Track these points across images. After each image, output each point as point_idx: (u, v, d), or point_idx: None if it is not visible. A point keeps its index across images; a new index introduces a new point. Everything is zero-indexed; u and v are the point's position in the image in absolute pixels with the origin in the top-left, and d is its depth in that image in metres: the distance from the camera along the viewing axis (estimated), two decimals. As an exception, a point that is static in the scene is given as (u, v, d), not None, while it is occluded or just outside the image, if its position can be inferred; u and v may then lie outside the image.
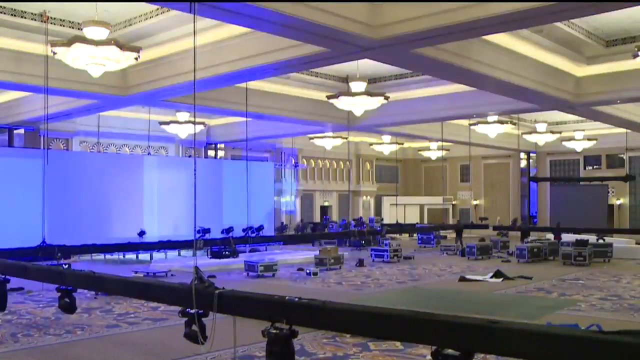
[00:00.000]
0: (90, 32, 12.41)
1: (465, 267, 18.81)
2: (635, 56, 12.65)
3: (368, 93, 16.43)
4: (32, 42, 13.85)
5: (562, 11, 9.44)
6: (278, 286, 14.63)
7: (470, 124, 23.23)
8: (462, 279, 15.75)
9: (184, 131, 22.60)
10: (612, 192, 32.19)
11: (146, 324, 9.82)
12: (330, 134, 25.88)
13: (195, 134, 24.33)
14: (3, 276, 9.48)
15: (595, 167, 33.43)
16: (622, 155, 31.45)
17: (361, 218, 31.01)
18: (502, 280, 15.69)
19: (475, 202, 36.75)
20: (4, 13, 13.12)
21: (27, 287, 13.36)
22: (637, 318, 10.44)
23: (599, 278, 16.01)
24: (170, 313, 10.67)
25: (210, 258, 19.95)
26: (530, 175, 34.61)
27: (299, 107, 20.60)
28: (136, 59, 13.24)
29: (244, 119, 22.25)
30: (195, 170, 7.85)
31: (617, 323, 9.93)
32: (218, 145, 29.56)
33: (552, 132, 25.57)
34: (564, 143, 27.69)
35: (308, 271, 16.84)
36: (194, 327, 6.19)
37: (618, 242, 22.44)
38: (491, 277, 16.05)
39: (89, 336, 8.92)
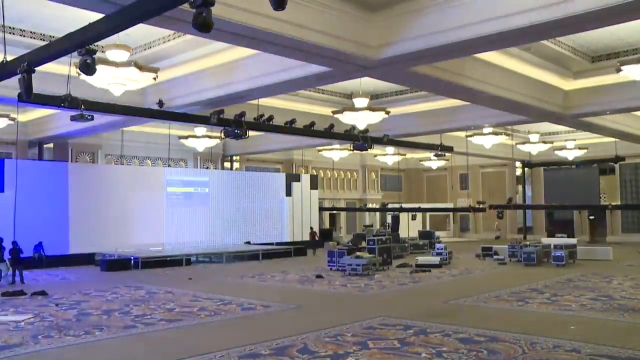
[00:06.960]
0: (112, 54, 12.57)
1: (464, 269, 18.64)
2: (618, 71, 12.53)
3: (370, 108, 16.44)
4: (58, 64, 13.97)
5: (547, 30, 9.39)
6: (286, 288, 14.60)
7: (467, 136, 23.11)
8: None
9: (201, 144, 22.71)
10: (604, 197, 31.80)
11: (161, 324, 9.80)
12: (337, 146, 25.84)
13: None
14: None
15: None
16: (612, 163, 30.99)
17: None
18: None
19: (474, 208, 36.46)
20: (34, 38, 13.33)
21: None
22: (627, 318, 10.20)
23: (591, 279, 15.76)
24: (184, 314, 10.69)
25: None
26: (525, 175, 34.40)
27: (307, 122, 20.57)
28: (154, 79, 13.39)
29: (257, 133, 22.39)
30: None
31: (607, 322, 9.77)
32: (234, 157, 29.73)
33: (545, 142, 25.42)
34: (556, 152, 27.44)
35: (316, 274, 16.81)
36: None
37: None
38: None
39: (107, 337, 8.88)
